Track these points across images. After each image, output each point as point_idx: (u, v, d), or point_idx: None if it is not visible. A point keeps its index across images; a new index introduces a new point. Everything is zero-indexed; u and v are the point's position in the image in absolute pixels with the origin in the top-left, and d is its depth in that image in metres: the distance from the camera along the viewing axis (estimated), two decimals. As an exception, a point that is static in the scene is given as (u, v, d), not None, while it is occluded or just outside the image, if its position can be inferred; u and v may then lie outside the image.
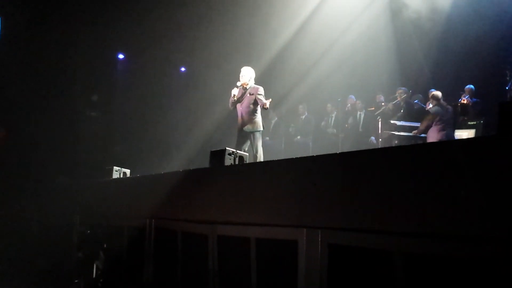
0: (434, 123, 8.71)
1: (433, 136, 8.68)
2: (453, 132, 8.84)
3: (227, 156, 5.37)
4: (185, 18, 12.02)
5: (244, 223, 4.57)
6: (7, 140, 11.81)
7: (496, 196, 2.57)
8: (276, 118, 11.90)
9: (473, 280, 2.68)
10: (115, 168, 8.33)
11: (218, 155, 5.46)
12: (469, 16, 10.30)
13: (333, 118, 11.26)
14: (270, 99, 7.46)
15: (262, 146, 7.78)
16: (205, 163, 6.02)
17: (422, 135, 9.07)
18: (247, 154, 5.99)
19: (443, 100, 8.86)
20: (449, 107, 8.87)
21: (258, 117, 7.67)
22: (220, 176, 5.26)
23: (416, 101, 10.08)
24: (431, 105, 8.99)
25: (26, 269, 8.72)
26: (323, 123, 11.51)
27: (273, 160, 4.63)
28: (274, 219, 4.19)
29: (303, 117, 11.64)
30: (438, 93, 8.84)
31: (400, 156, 3.25)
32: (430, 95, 9.05)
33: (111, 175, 8.24)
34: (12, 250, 9.23)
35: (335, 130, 11.02)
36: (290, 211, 4.01)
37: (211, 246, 5.04)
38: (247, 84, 7.65)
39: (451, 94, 9.89)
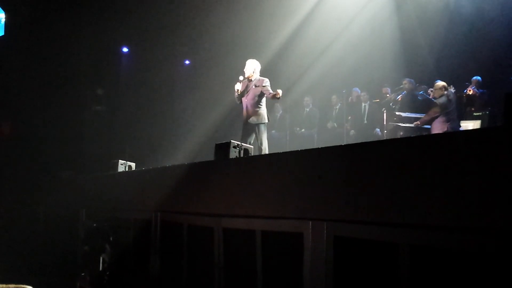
0: (439, 114, 8.67)
1: (438, 127, 8.62)
2: (458, 123, 8.78)
3: (232, 149, 5.36)
4: (189, 11, 11.99)
5: (249, 215, 4.57)
6: (13, 134, 11.86)
7: (501, 188, 2.56)
8: (281, 111, 11.86)
9: (477, 272, 2.68)
10: (121, 161, 8.34)
11: (223, 148, 5.45)
12: (474, 6, 10.22)
13: (337, 110, 11.19)
14: (280, 90, 7.40)
15: (267, 138, 7.76)
16: (210, 156, 6.03)
17: (427, 126, 9.01)
18: (252, 146, 5.98)
19: (448, 90, 8.82)
20: (453, 96, 8.82)
21: (263, 109, 7.64)
22: (225, 169, 5.26)
23: (421, 92, 10.00)
24: (435, 96, 8.91)
25: (33, 263, 8.77)
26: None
27: (278, 153, 4.63)
28: (279, 211, 4.19)
29: (308, 109, 11.58)
30: (443, 83, 8.77)
31: (405, 147, 3.24)
32: (434, 86, 8.98)
33: (117, 169, 8.26)
34: (19, 244, 9.28)
35: (335, 124, 10.96)
36: (295, 204, 4.01)
37: (216, 239, 5.05)
38: (252, 76, 7.63)
39: (457, 85, 9.83)
